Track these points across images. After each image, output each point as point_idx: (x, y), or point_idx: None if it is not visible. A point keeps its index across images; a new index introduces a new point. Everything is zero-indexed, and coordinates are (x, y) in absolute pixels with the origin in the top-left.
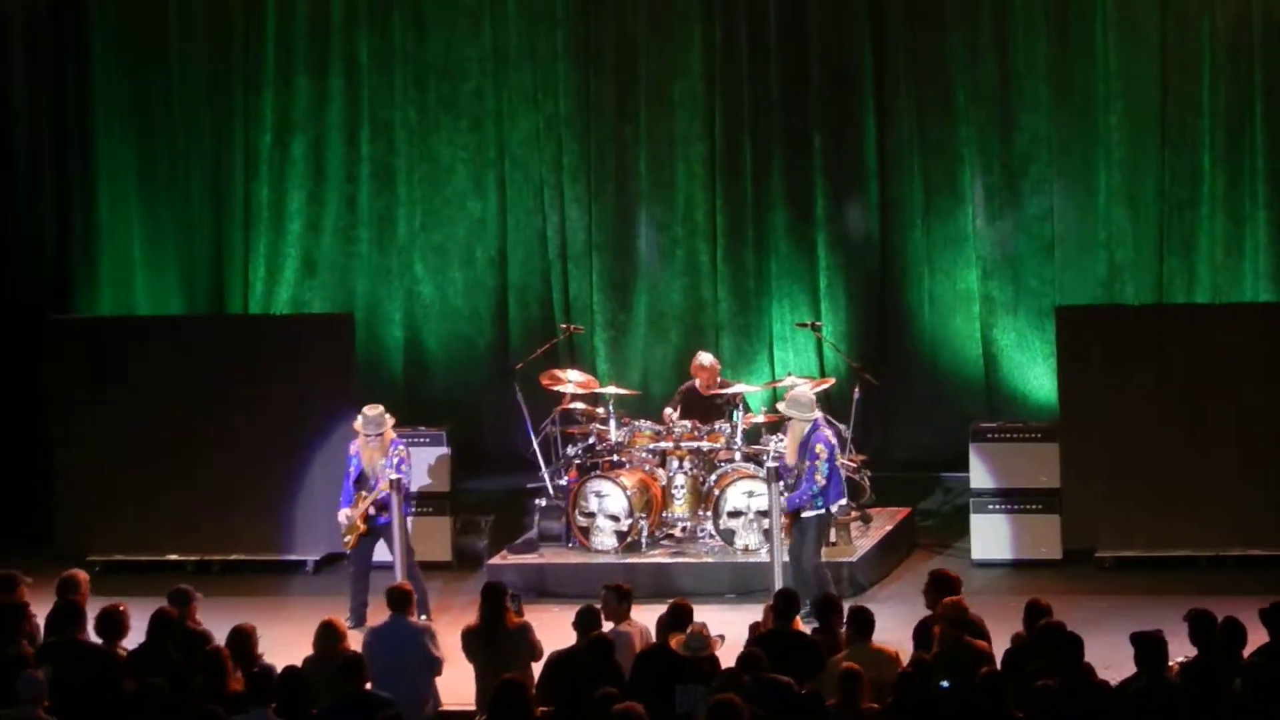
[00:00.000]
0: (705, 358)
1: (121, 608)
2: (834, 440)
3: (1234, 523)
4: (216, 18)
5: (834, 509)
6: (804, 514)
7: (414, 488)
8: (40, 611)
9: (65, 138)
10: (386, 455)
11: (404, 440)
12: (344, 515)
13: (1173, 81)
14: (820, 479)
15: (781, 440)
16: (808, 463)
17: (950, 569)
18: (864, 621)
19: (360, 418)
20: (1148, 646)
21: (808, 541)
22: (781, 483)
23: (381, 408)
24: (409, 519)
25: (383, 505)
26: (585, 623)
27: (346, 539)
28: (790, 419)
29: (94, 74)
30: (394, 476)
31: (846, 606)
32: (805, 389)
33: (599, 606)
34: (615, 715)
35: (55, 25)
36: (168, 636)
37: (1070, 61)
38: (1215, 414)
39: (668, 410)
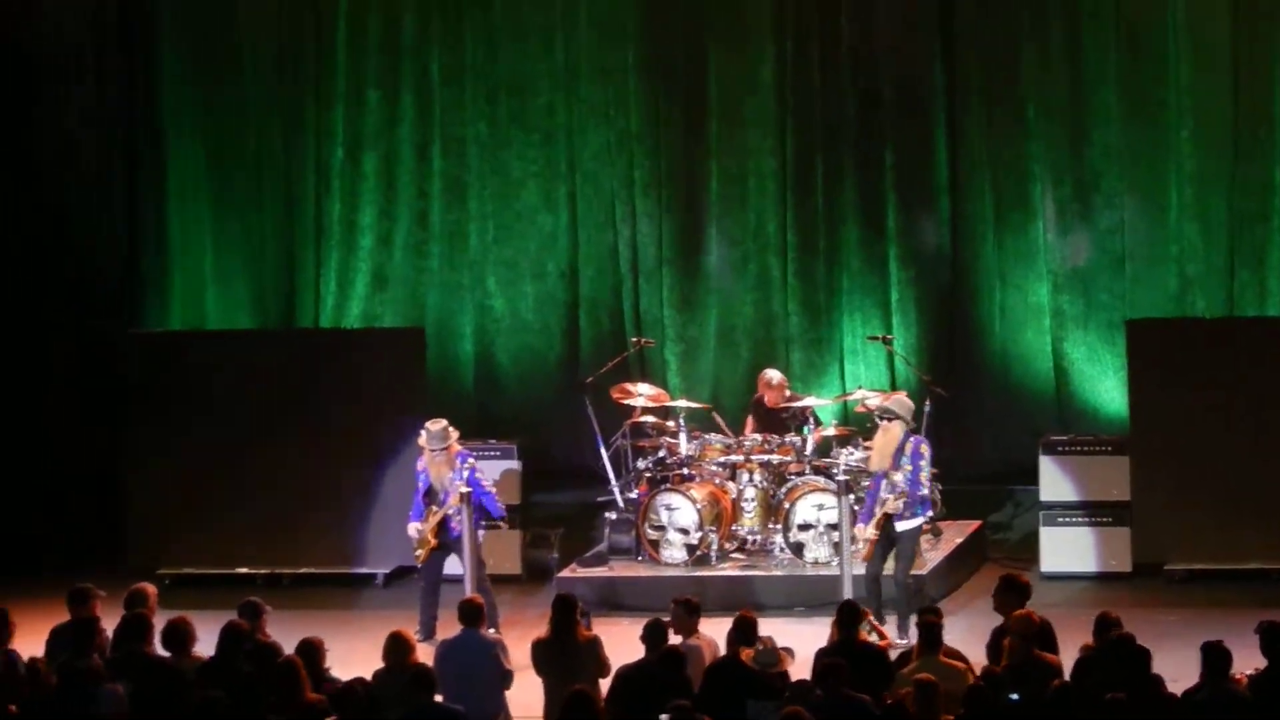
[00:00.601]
0: (773, 376)
1: (186, 620)
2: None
3: None
4: (287, 32)
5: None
6: (902, 526)
7: (506, 499)
8: (110, 625)
9: (136, 152)
10: (454, 468)
11: (473, 453)
12: (414, 529)
13: (1244, 93)
14: (925, 482)
15: (853, 454)
16: (909, 466)
17: (1022, 573)
18: (933, 633)
19: (424, 433)
20: (1212, 655)
21: (911, 555)
22: (853, 495)
23: (445, 422)
24: (481, 531)
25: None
26: (654, 636)
27: (418, 553)
28: (888, 420)
29: (164, 88)
30: (464, 490)
31: (914, 619)
32: (905, 396)
33: (668, 620)
34: None
35: (125, 39)
36: (238, 649)
37: (1141, 74)
38: None
39: (750, 421)
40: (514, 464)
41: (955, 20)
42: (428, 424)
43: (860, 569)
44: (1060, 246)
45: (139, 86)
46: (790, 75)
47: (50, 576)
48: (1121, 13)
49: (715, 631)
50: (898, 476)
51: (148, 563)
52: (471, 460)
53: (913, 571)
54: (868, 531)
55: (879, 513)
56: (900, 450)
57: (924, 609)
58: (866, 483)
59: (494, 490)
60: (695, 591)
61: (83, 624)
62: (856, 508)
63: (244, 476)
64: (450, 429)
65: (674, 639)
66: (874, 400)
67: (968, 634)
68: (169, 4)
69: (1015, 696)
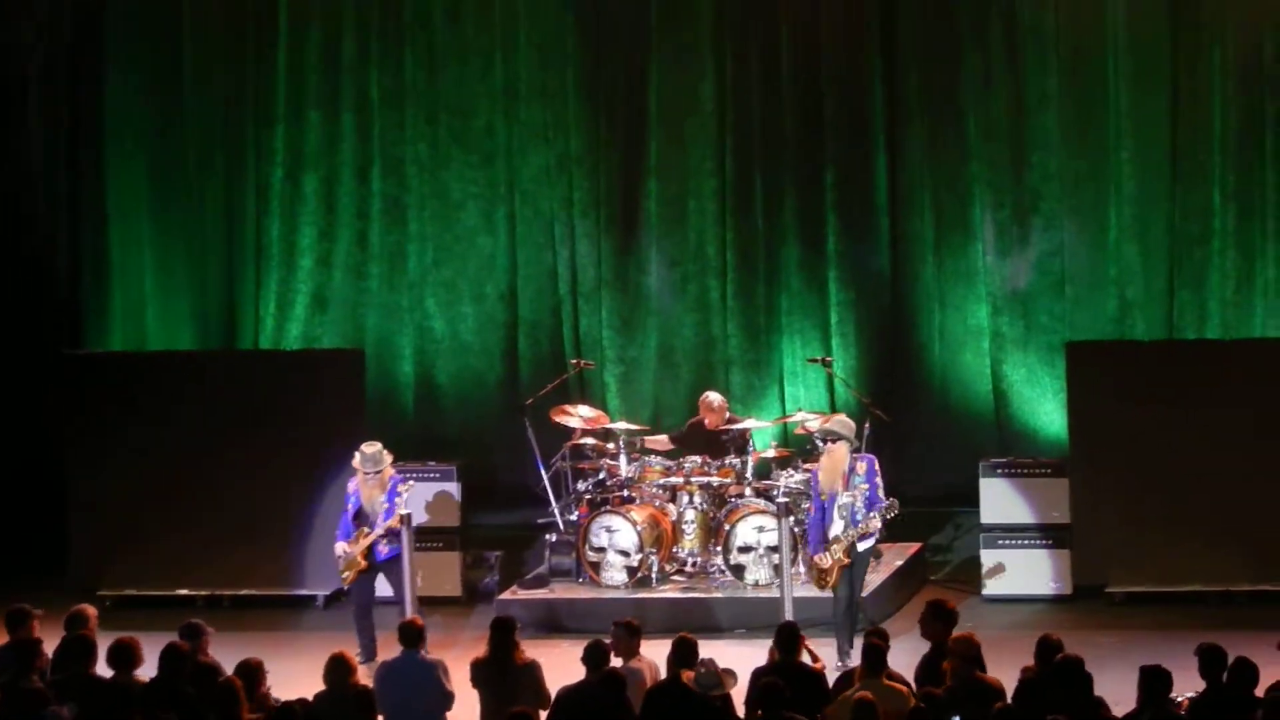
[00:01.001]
0: (714, 399)
1: (134, 640)
2: None
3: (1245, 558)
4: (229, 53)
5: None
6: (860, 545)
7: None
8: (49, 646)
9: (77, 171)
10: (385, 492)
11: (408, 477)
12: (341, 549)
13: (1183, 116)
14: (884, 498)
15: (792, 476)
16: (865, 485)
17: (949, 599)
18: (877, 655)
19: (358, 455)
20: (1151, 679)
21: (863, 575)
22: (793, 517)
23: (379, 445)
24: (436, 553)
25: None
26: (595, 658)
27: (344, 575)
28: (833, 442)
29: (107, 107)
30: (403, 511)
31: (859, 640)
32: (845, 416)
33: (608, 641)
34: None
35: (70, 59)
36: (180, 670)
37: (1081, 97)
38: (1225, 450)
39: (663, 437)
40: (454, 485)
41: (896, 41)
42: (362, 446)
43: (801, 591)
44: (1000, 268)
45: (81, 105)
46: (730, 94)
47: None
48: (1062, 35)
49: (655, 654)
50: (846, 498)
51: (88, 584)
52: (405, 485)
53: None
54: (832, 557)
55: (845, 539)
56: (851, 471)
57: (870, 631)
58: (805, 505)
59: (398, 506)
60: (635, 614)
61: (23, 645)
62: (796, 530)
63: (184, 498)
64: (385, 452)
65: (615, 661)
66: (814, 423)
67: (909, 656)
68: (113, 24)
69: (957, 718)
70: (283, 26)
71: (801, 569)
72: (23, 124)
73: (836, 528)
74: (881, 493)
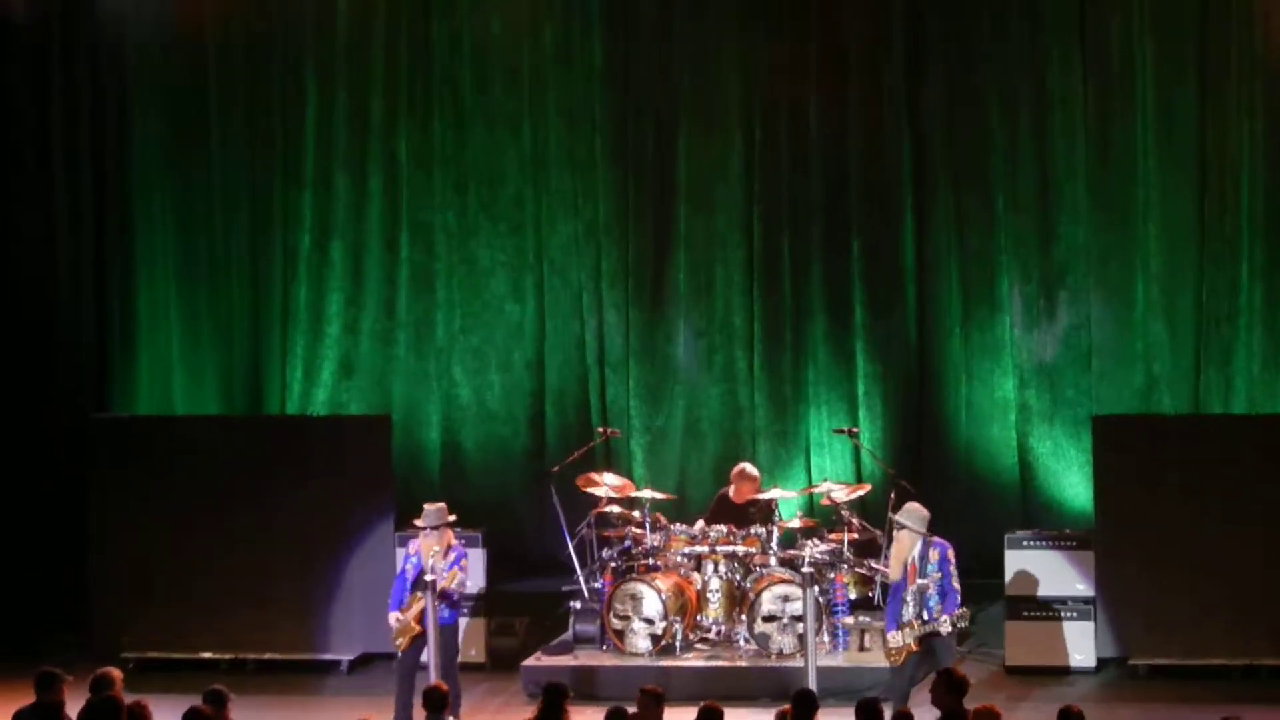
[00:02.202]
0: (750, 470)
1: (142, 703)
2: None
3: (1269, 633)
4: (257, 117)
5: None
6: (944, 631)
7: (469, 587)
8: (73, 709)
9: (105, 235)
10: (444, 551)
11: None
12: (394, 619)
13: (1211, 191)
14: (958, 587)
15: (818, 546)
16: (939, 573)
17: (958, 670)
18: None
19: (423, 513)
20: None
21: (952, 653)
22: (818, 587)
23: (443, 504)
24: (460, 621)
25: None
26: None
27: (398, 641)
28: (902, 529)
29: (135, 172)
30: (428, 578)
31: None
32: (918, 505)
33: (632, 710)
34: None
35: (97, 123)
36: None
37: (1109, 170)
38: (1250, 525)
39: (700, 524)
40: (479, 552)
41: (924, 112)
42: (425, 505)
43: (825, 660)
44: (1027, 341)
45: (109, 170)
46: (759, 164)
47: (11, 659)
48: (1090, 107)
49: None
50: (921, 582)
51: (111, 646)
52: (462, 559)
53: (872, 665)
54: (903, 639)
55: (917, 626)
56: (923, 558)
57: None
58: (831, 575)
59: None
60: (659, 681)
61: (46, 708)
62: (821, 599)
63: (209, 562)
64: (445, 510)
65: None
66: (840, 493)
67: None
68: (140, 86)
69: None
70: (311, 90)
71: (825, 638)
72: (49, 187)
73: (909, 611)
74: (956, 582)
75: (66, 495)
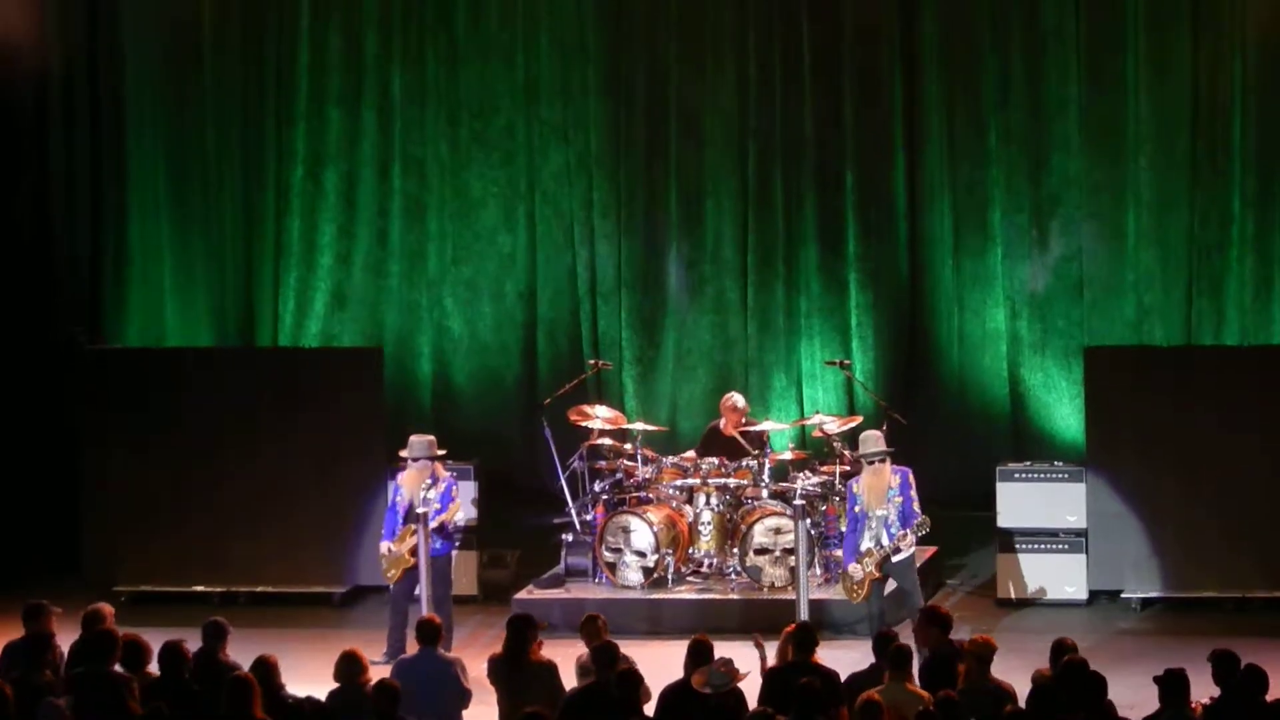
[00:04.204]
0: (738, 400)
1: (139, 638)
2: None
3: (1260, 565)
4: (250, 50)
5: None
6: (897, 558)
7: (462, 520)
8: (65, 641)
9: (99, 168)
10: (431, 483)
11: (455, 479)
12: (386, 548)
13: (1202, 123)
14: (918, 511)
15: (810, 478)
16: (900, 497)
17: (942, 605)
18: (904, 660)
19: (409, 444)
20: (1170, 683)
21: (917, 583)
22: (810, 520)
23: (431, 437)
24: (454, 552)
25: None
26: (605, 658)
27: (390, 573)
28: (880, 462)
29: (128, 105)
30: (420, 510)
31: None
32: (875, 431)
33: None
34: None
35: (90, 55)
36: (181, 668)
37: (1101, 103)
38: (1242, 457)
39: (690, 454)
40: (471, 484)
41: (917, 44)
42: (412, 436)
43: (817, 593)
44: (1018, 272)
45: (103, 103)
46: (752, 95)
47: (5, 592)
48: (1082, 40)
49: (673, 654)
50: (881, 512)
51: (104, 579)
52: (454, 489)
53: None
54: (864, 570)
55: (878, 553)
56: (885, 486)
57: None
58: (824, 508)
59: (453, 506)
60: (651, 614)
61: (35, 640)
62: (813, 532)
63: (201, 494)
64: (434, 443)
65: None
66: (832, 425)
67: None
68: (131, 21)
69: None
70: (304, 23)
71: (818, 570)
72: (44, 121)
73: (869, 541)
74: (917, 506)
75: (58, 428)
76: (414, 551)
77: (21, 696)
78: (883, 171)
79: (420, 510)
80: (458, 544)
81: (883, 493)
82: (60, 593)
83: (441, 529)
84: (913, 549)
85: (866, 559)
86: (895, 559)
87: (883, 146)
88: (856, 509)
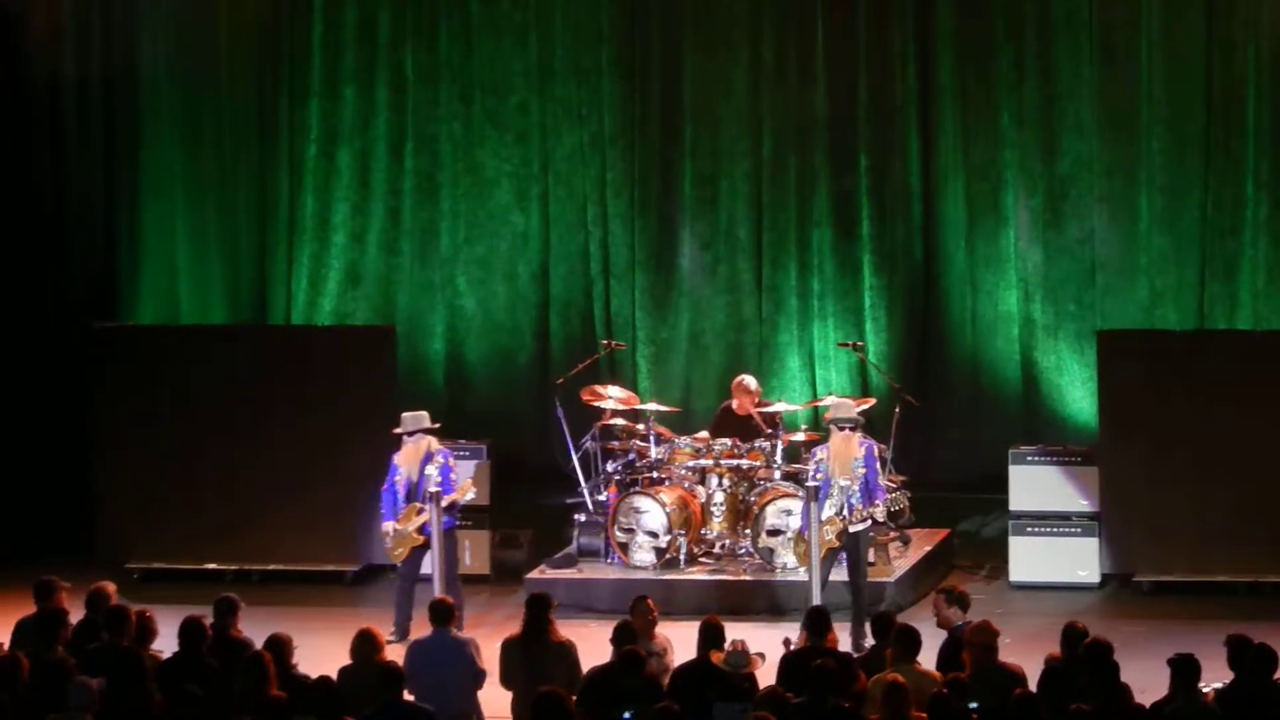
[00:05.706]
0: (750, 382)
1: (148, 613)
2: None
3: (1273, 549)
4: (264, 27)
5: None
6: (855, 528)
7: (473, 497)
8: (74, 617)
9: (113, 145)
10: (429, 460)
11: (450, 451)
12: (390, 528)
13: (1216, 106)
14: (883, 483)
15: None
16: (864, 468)
17: (959, 585)
18: (911, 642)
19: (401, 420)
20: (1183, 668)
21: (865, 557)
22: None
23: (425, 413)
24: (468, 531)
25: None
26: (622, 638)
27: (397, 551)
28: (851, 430)
29: (141, 82)
30: (432, 489)
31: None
32: (846, 400)
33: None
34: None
35: (104, 32)
36: (200, 644)
37: (1114, 85)
38: (1255, 440)
39: (704, 434)
40: (483, 464)
41: (930, 26)
42: (404, 414)
43: (832, 576)
44: (1031, 255)
45: (116, 79)
46: (766, 77)
47: (17, 569)
48: (1095, 24)
49: (684, 634)
50: (844, 482)
51: (116, 557)
52: (451, 459)
53: (877, 579)
54: (822, 539)
55: (840, 522)
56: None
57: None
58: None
59: (454, 481)
60: (663, 595)
61: (47, 616)
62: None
63: (213, 472)
64: (424, 417)
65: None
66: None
67: (932, 641)
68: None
69: (974, 705)
70: (318, 1)
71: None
72: (57, 97)
73: (831, 509)
74: (882, 480)
75: (71, 405)
76: (422, 530)
77: (35, 672)
78: (896, 153)
79: (432, 490)
80: (459, 518)
81: (848, 462)
82: (73, 570)
83: (452, 507)
84: (867, 524)
85: (828, 526)
86: (853, 529)
87: (897, 128)
88: (820, 476)
